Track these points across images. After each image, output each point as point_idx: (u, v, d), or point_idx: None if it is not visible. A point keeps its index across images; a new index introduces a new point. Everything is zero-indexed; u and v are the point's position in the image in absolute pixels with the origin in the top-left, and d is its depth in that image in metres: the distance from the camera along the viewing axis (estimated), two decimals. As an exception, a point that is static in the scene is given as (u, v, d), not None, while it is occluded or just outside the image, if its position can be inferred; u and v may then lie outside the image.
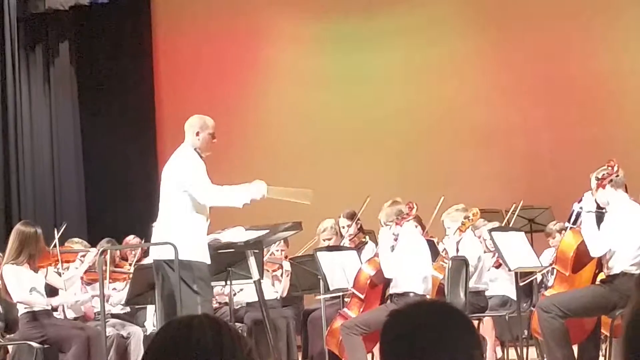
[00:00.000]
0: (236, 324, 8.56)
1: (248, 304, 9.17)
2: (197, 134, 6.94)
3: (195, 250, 6.75)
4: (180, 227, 6.75)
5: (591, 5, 12.33)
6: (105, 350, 7.44)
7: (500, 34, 12.56)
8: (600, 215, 6.91)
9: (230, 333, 2.08)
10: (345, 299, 8.41)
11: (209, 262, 6.84)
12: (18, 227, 7.72)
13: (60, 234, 8.28)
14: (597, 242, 6.79)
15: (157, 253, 6.85)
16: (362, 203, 9.28)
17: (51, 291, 8.00)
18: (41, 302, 7.58)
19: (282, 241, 9.00)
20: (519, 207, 10.14)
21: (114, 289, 8.66)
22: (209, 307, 6.90)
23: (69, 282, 7.94)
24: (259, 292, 7.45)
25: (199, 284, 6.72)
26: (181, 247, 6.64)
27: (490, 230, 8.08)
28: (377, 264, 7.78)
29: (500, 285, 8.93)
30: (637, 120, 11.96)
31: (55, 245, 7.99)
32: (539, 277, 8.77)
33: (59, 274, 7.94)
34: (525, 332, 8.35)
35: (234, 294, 9.00)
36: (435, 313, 2.18)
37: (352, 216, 9.07)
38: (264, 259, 8.49)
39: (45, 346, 7.57)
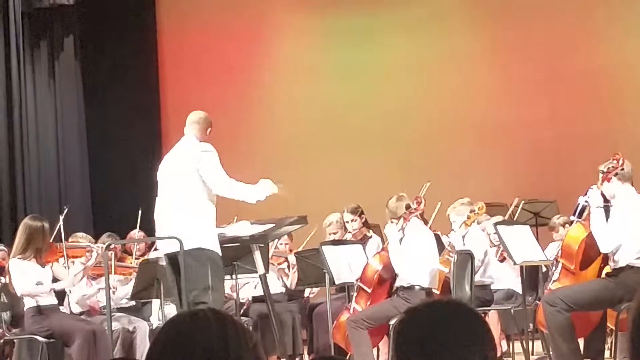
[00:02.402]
0: (242, 318, 8.56)
1: (254, 298, 9.17)
2: (209, 131, 7.10)
3: (210, 239, 6.78)
4: (195, 216, 6.78)
5: (594, -1, 12.35)
6: (111, 345, 7.44)
7: (502, 28, 12.54)
8: (607, 209, 6.89)
9: (235, 327, 2.08)
10: (352, 293, 8.41)
11: (219, 252, 6.87)
12: (26, 221, 7.73)
13: (64, 216, 8.24)
14: (607, 237, 6.78)
15: (172, 246, 6.86)
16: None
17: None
18: (47, 299, 7.58)
19: (286, 235, 9.00)
20: (523, 201, 10.15)
21: (115, 287, 8.62)
22: (219, 297, 6.90)
23: (77, 278, 7.94)
24: (265, 286, 7.46)
25: (213, 273, 6.75)
26: (196, 236, 6.68)
27: (495, 224, 8.08)
28: (385, 259, 7.78)
29: (505, 279, 8.93)
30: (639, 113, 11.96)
31: (61, 240, 7.98)
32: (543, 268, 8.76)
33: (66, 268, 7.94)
34: (531, 325, 8.34)
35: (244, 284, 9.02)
36: (451, 312, 2.18)
37: (356, 211, 9.06)
38: (270, 254, 8.49)
39: (51, 340, 7.59)
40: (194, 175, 6.87)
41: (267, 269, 7.69)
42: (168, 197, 6.98)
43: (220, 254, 6.88)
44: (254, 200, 7.01)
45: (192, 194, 6.87)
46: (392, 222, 7.81)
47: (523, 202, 10.70)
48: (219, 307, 6.16)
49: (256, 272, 7.41)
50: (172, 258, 6.88)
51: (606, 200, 6.91)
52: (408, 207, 7.75)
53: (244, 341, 2.07)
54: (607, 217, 6.88)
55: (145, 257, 9.06)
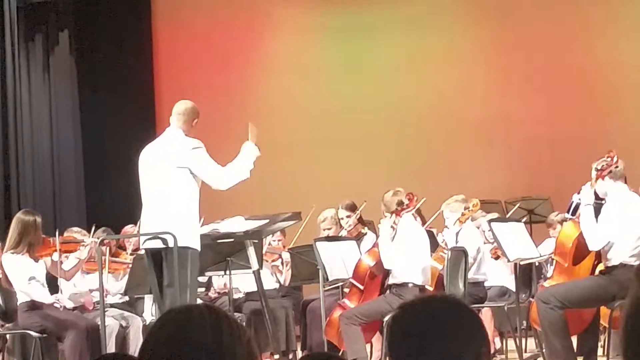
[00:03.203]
0: (235, 314, 8.56)
1: (247, 294, 9.17)
2: (195, 122, 6.96)
3: (194, 236, 6.75)
4: (180, 213, 6.72)
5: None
6: (104, 340, 7.44)
7: (499, 24, 12.55)
8: (598, 207, 6.90)
9: (229, 322, 2.07)
10: (345, 289, 8.40)
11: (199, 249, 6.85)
12: (18, 215, 7.71)
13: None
14: (595, 235, 6.78)
15: (155, 241, 6.81)
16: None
17: (51, 280, 7.99)
18: (40, 293, 7.57)
19: (279, 231, 8.99)
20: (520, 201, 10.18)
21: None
22: (194, 295, 6.91)
23: (70, 274, 7.92)
24: (258, 282, 7.45)
25: (192, 272, 6.74)
26: (184, 234, 6.64)
27: (489, 221, 8.08)
28: (377, 255, 7.78)
29: (499, 276, 8.93)
30: (637, 111, 11.96)
31: (55, 235, 7.96)
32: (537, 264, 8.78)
33: (60, 263, 7.92)
34: (524, 322, 8.36)
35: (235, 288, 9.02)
36: (445, 308, 2.18)
37: (351, 207, 9.06)
38: (264, 250, 8.48)
39: (44, 335, 7.57)
40: (180, 171, 6.75)
41: (261, 265, 7.68)
42: (152, 191, 6.88)
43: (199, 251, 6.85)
44: (249, 174, 6.95)
45: (177, 190, 6.75)
46: (385, 216, 7.81)
47: (512, 200, 10.72)
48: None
49: (250, 268, 7.40)
50: (155, 254, 6.83)
51: (599, 198, 6.92)
52: (400, 203, 7.74)
53: (238, 336, 2.07)
54: (599, 215, 6.89)
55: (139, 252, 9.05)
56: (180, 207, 6.74)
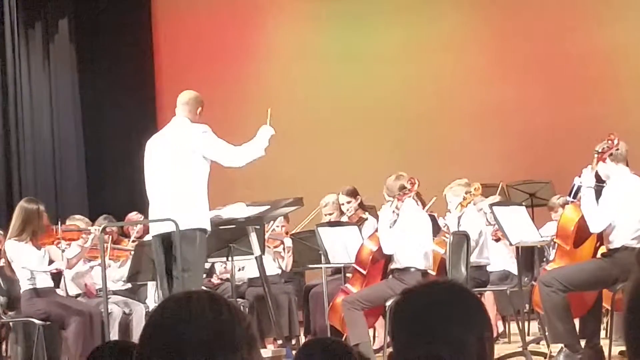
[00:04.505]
0: (238, 300, 8.57)
1: (250, 279, 9.18)
2: (200, 111, 7.04)
3: (205, 219, 6.81)
4: (192, 197, 6.79)
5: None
6: (107, 327, 7.45)
7: (497, 11, 12.53)
8: (600, 190, 6.89)
9: (228, 308, 2.07)
10: (347, 274, 8.41)
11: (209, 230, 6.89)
12: (21, 204, 7.72)
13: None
14: (596, 218, 6.78)
15: (166, 226, 6.86)
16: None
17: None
18: (42, 269, 7.57)
19: (282, 217, 9.00)
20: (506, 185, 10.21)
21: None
22: (201, 277, 6.98)
23: (72, 262, 7.93)
24: (261, 267, 7.46)
25: (202, 254, 6.78)
26: (192, 217, 6.68)
27: (491, 205, 8.07)
28: (379, 240, 7.77)
29: (501, 260, 8.93)
30: (634, 95, 11.95)
31: (57, 223, 7.97)
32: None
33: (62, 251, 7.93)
34: (527, 306, 8.36)
35: (240, 269, 9.03)
36: (448, 293, 2.18)
37: (352, 193, 9.05)
38: (266, 236, 8.49)
39: (47, 323, 7.59)
40: (191, 156, 6.84)
41: (263, 251, 7.69)
42: (162, 178, 6.92)
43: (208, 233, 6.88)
44: (263, 152, 7.05)
45: (188, 174, 6.84)
46: (388, 200, 7.80)
47: (514, 184, 10.74)
48: (199, 287, 6.25)
49: (252, 254, 7.40)
50: (167, 239, 6.86)
51: (601, 181, 6.91)
52: (402, 188, 7.74)
53: (238, 322, 2.06)
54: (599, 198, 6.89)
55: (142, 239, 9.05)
56: (191, 190, 6.82)
